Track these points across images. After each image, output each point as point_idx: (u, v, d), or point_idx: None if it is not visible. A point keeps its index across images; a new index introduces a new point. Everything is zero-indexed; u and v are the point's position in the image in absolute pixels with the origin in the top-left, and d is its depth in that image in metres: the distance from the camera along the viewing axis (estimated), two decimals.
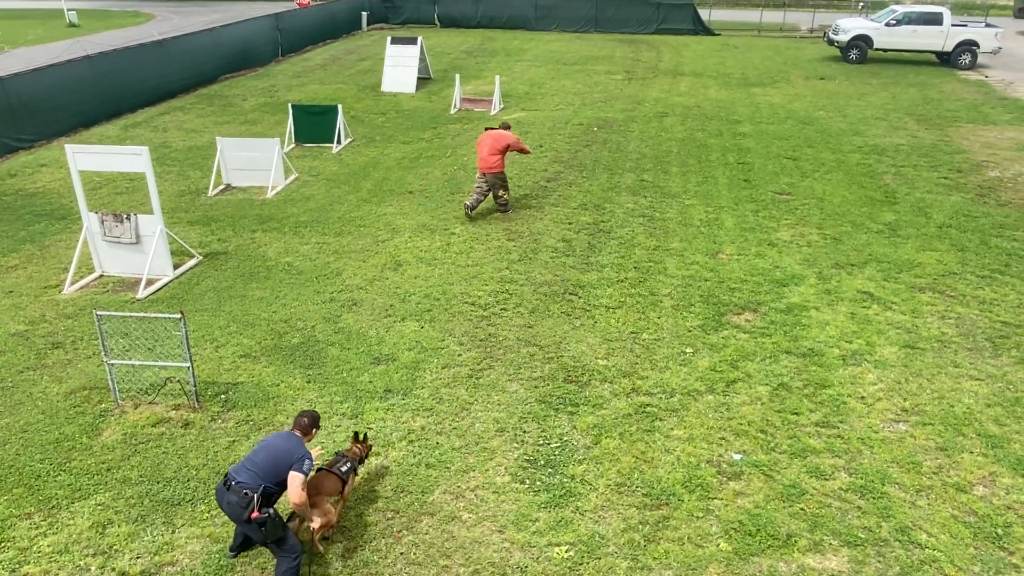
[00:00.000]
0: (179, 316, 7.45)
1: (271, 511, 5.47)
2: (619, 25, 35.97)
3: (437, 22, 37.83)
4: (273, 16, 29.02)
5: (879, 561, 6.09)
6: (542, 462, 7.14)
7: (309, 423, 5.92)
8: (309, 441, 5.93)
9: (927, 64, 27.79)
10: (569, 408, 7.90)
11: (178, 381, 8.13)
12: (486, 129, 13.10)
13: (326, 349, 9.00)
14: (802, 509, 6.60)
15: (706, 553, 6.13)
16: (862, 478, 6.94)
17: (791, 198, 14.14)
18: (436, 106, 21.49)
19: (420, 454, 7.25)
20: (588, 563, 6.05)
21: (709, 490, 6.79)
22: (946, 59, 27.54)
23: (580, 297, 10.28)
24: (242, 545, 6.02)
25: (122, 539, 6.28)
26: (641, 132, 18.73)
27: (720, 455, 7.23)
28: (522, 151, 13.13)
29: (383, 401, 8.05)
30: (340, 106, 17.67)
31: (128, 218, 10.73)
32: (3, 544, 6.21)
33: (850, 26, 28.32)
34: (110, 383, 7.94)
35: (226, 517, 5.99)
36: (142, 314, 8.17)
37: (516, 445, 7.36)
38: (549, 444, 7.38)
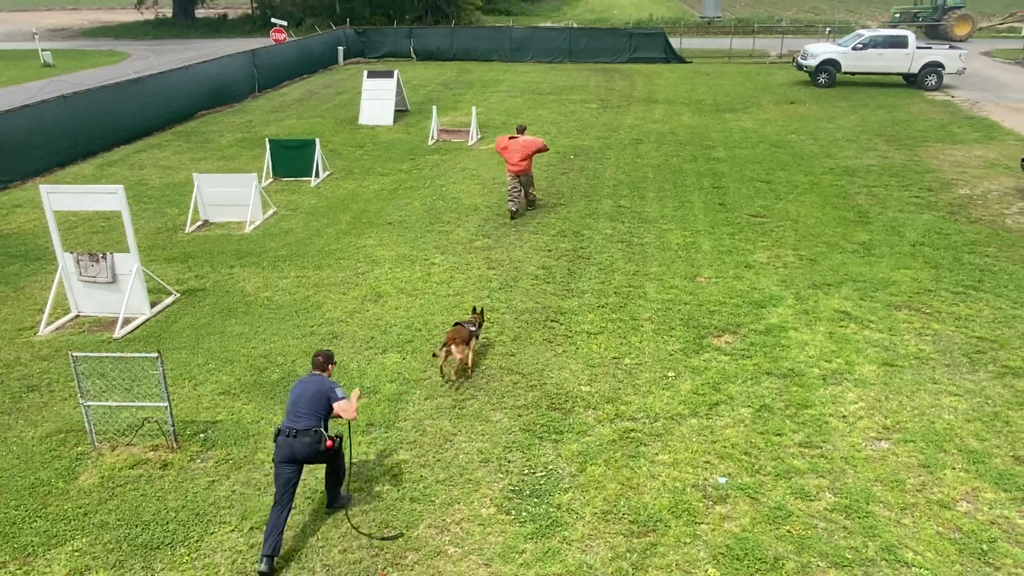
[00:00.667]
0: (156, 355, 7.34)
1: (334, 436, 6.55)
2: (592, 55, 36.40)
3: (413, 55, 38.18)
4: (249, 52, 29.17)
5: None
6: (527, 492, 7.08)
7: (324, 360, 6.75)
8: (329, 375, 6.71)
9: (895, 86, 28.32)
10: (553, 436, 7.86)
11: (156, 421, 7.99)
12: (510, 137, 14.47)
13: None
14: (788, 531, 6.57)
15: None
16: (847, 498, 6.94)
17: (766, 220, 14.28)
18: (414, 138, 21.62)
19: (404, 488, 7.17)
20: None
21: (696, 515, 6.75)
22: (913, 80, 28.07)
23: (561, 324, 10.29)
24: (293, 491, 6.41)
25: None
26: (617, 159, 18.91)
27: (705, 479, 7.20)
28: (544, 150, 14.76)
29: (365, 435, 7.97)
30: (318, 140, 17.69)
31: (104, 257, 10.61)
32: None
33: (818, 51, 28.86)
34: (87, 425, 7.79)
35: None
36: (118, 354, 8.05)
37: (501, 475, 7.30)
38: (534, 473, 7.32)
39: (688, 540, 6.49)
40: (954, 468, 7.32)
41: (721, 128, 22.08)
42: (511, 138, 14.50)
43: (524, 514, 6.80)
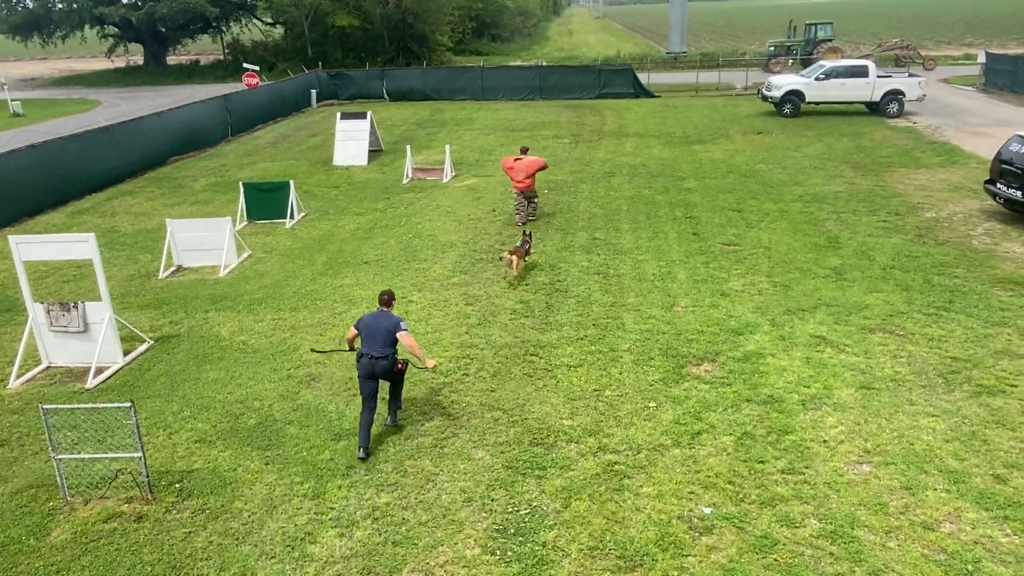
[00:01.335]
0: (128, 404, 7.20)
1: (403, 361, 8.48)
2: (563, 92, 36.86)
3: (386, 96, 38.44)
4: (222, 97, 29.24)
5: None
6: (512, 531, 6.98)
7: (388, 298, 8.52)
8: (391, 309, 8.47)
9: (858, 114, 28.92)
10: (537, 472, 7.80)
11: (130, 472, 7.80)
12: (515, 159, 16.03)
13: (284, 428, 8.80)
14: (776, 560, 6.53)
15: None
16: (831, 523, 6.92)
17: (739, 248, 14.43)
18: (388, 177, 21.68)
19: (386, 532, 7.04)
20: None
21: (682, 547, 6.69)
22: (875, 108, 28.68)
23: (541, 357, 10.29)
24: (375, 397, 8.33)
25: None
26: (591, 192, 19.07)
27: (690, 510, 7.16)
28: (544, 168, 16.38)
29: (345, 479, 7.84)
30: (292, 181, 17.72)
31: (75, 306, 10.45)
32: None
33: (782, 82, 29.47)
34: (58, 479, 7.59)
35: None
36: (90, 405, 7.89)
37: (484, 515, 7.20)
38: (518, 511, 7.24)
39: (676, 574, 6.43)
40: (935, 489, 7.33)
41: (691, 159, 22.37)
42: (516, 159, 16.03)
43: (509, 554, 6.70)
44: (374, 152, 24.63)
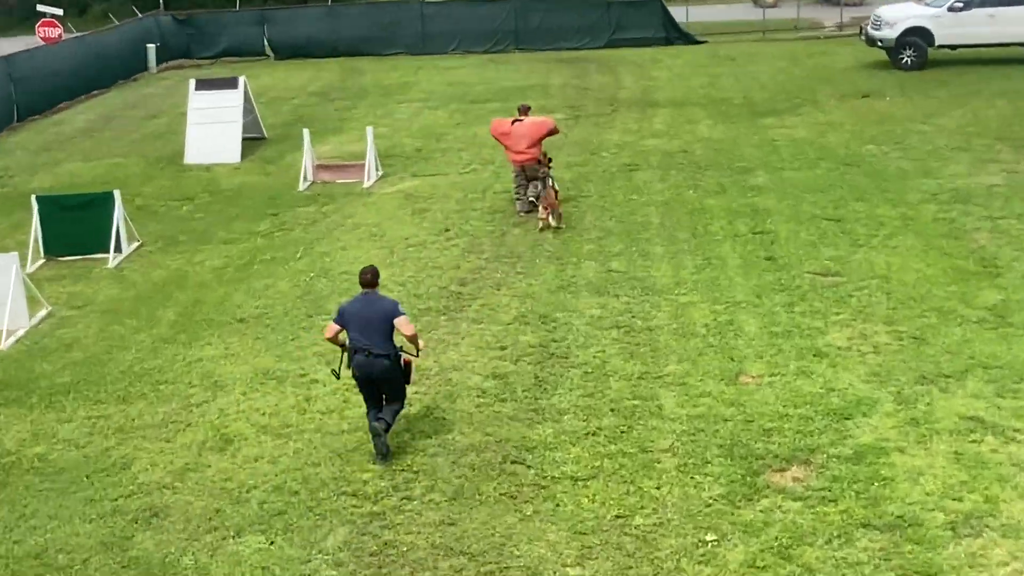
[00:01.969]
0: None
1: (407, 356, 10.48)
2: (552, 38, 37.26)
3: (270, 52, 38.75)
4: (2, 60, 29.12)
5: None
6: None
7: (373, 276, 10.43)
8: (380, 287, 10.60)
9: (1018, 62, 29.10)
10: None
11: None
12: (513, 121, 17.68)
13: None
14: None
15: None
16: None
17: (841, 280, 14.36)
18: (275, 181, 21.52)
19: None
20: None
21: None
22: None
23: (529, 466, 10.16)
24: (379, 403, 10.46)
25: None
26: (601, 196, 18.94)
27: None
28: (556, 132, 18.35)
29: None
30: (118, 192, 17.62)
31: None
32: None
33: (897, 16, 29.96)
34: None
35: None
36: None
37: None
38: None
39: None
40: None
41: (759, 140, 22.28)
42: (514, 121, 17.61)
43: None
44: (252, 141, 24.40)
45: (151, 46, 37.62)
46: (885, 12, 30.79)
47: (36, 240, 17.39)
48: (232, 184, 21.58)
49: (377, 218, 18.73)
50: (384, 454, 10.18)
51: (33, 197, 17.83)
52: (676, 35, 37.09)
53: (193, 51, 39.30)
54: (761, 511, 9.23)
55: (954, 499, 9.20)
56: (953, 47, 29.52)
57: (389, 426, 10.38)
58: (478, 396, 11.74)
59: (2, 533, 9.66)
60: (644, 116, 25.57)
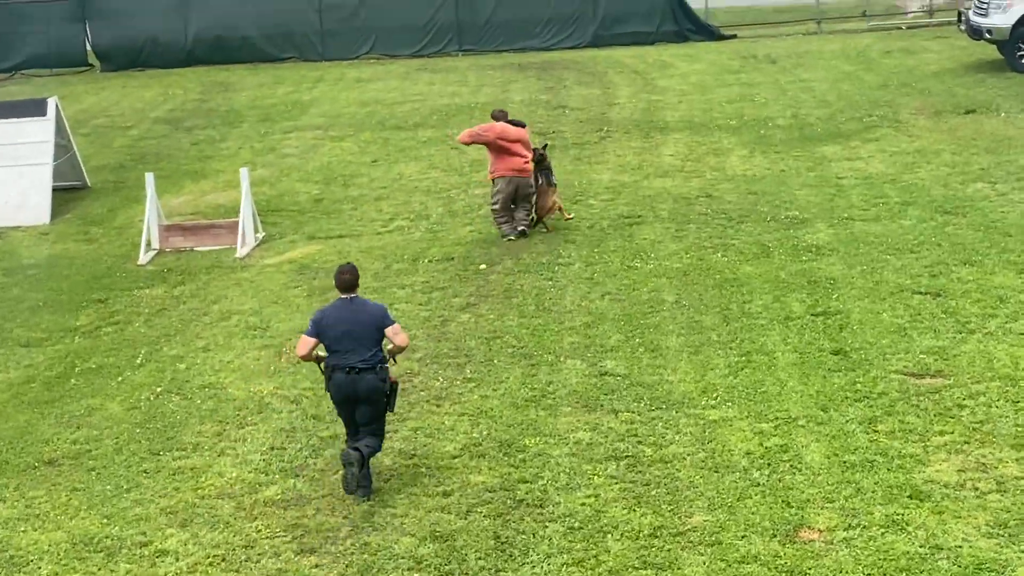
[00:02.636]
0: None
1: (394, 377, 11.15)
2: (512, 36, 33.70)
3: (94, 61, 35.33)
4: None
5: None
6: None
7: (353, 278, 10.68)
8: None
9: None
10: None
11: None
12: (511, 122, 17.66)
13: None
14: None
15: None
16: None
17: (945, 384, 12.48)
18: (103, 250, 19.39)
19: None
20: None
21: None
22: None
23: None
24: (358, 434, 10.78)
25: None
26: (587, 264, 16.75)
27: None
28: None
29: None
30: None
31: None
32: None
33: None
34: None
35: None
36: None
37: None
38: None
39: None
40: None
41: (817, 179, 20.25)
42: (511, 122, 17.54)
43: None
44: (68, 192, 22.20)
45: None
46: None
47: None
48: (37, 257, 19.22)
49: (256, 303, 16.33)
50: (355, 488, 10.32)
51: None
52: (692, 28, 33.70)
53: None
54: None
55: None
56: None
57: (364, 459, 10.49)
58: (409, 571, 9.94)
59: None
60: (648, 145, 23.13)
